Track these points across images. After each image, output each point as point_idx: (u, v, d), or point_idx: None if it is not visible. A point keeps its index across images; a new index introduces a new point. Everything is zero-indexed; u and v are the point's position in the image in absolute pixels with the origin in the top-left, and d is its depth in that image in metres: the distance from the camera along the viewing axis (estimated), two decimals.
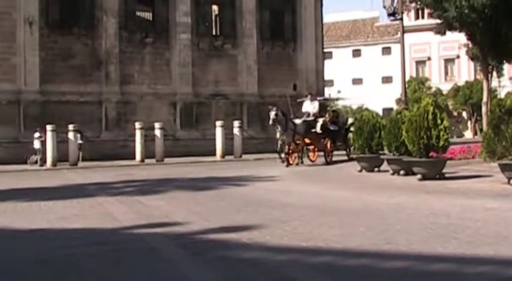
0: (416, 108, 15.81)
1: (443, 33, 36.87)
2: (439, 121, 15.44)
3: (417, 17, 76.28)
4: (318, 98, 27.85)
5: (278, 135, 24.09)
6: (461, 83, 76.77)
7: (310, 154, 25.04)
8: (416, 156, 15.71)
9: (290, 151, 23.92)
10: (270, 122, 23.08)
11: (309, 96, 26.09)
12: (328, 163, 24.53)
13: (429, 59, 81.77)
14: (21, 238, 9.21)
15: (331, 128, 25.65)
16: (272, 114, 22.86)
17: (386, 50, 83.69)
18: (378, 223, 9.06)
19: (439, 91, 76.88)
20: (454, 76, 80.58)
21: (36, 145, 30.40)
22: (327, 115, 26.56)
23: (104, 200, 13.48)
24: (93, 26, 35.87)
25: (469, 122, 77.82)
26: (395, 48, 72.64)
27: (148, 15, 40.58)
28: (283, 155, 24.22)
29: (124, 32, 36.70)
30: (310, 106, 25.44)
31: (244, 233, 8.39)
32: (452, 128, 58.76)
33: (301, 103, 26.91)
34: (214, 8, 40.56)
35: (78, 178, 21.52)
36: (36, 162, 29.97)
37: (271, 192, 13.65)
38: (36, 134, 30.43)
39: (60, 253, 7.71)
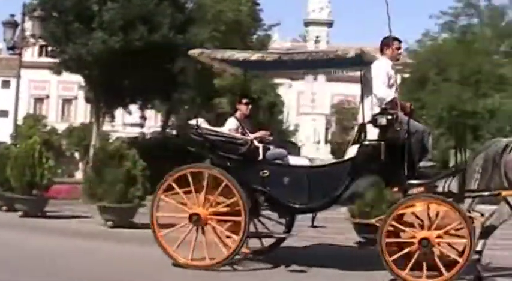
0: (23, 145, 15.85)
1: (60, 73, 36.94)
2: (44, 160, 15.68)
3: (41, 54, 75.65)
4: None
5: None
6: (77, 124, 77.62)
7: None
8: (18, 192, 15.67)
9: None
10: None
11: None
12: None
13: (48, 97, 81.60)
14: None
15: None
16: None
17: (6, 84, 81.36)
18: None
19: (54, 130, 76.86)
20: (71, 117, 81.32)
21: None
22: None
23: None
24: None
25: (80, 163, 78.79)
26: (15, 82, 70.85)
27: None
28: None
29: None
30: None
31: None
32: (63, 167, 59.29)
33: None
34: None
35: None
36: None
37: None
38: None
39: None
